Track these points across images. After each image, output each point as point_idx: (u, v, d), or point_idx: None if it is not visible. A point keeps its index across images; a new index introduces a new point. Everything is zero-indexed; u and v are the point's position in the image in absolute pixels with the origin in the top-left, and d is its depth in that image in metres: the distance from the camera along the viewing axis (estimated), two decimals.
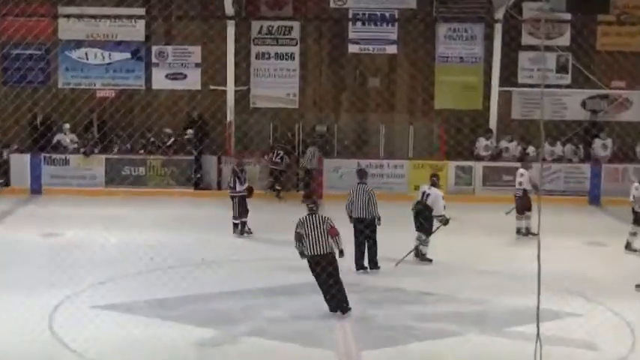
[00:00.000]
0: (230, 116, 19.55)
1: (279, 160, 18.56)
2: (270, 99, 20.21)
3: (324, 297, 9.43)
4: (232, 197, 13.85)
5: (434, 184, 12.25)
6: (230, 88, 19.61)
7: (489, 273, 11.65)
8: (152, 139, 19.17)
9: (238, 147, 19.58)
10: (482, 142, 19.51)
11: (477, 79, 20.17)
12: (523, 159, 18.94)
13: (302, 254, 9.42)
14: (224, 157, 19.01)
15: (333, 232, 9.35)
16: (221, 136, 19.39)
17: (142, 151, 19.16)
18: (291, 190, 18.82)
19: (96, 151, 19.11)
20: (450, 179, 18.38)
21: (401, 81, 20.44)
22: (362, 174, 12.06)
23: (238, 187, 13.82)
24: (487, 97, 19.93)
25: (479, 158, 19.30)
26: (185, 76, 20.16)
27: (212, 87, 19.74)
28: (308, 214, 9.44)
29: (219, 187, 18.82)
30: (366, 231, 11.44)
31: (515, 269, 11.15)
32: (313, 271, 9.34)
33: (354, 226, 11.57)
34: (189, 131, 19.15)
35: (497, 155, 19.43)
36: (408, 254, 11.97)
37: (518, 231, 14.04)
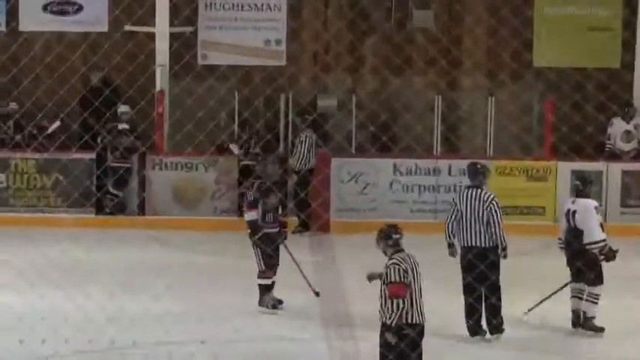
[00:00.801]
0: (161, 81, 19.60)
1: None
2: (235, 50, 20.45)
3: None
4: None
5: (579, 193, 12.73)
6: (162, 30, 19.72)
7: None
8: (21, 123, 19.25)
9: (176, 137, 19.63)
10: (619, 126, 19.77)
11: (611, 15, 20.49)
12: None
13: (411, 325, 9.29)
14: (150, 157, 19.10)
15: None
16: (146, 117, 19.36)
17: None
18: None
19: None
20: (562, 192, 18.26)
21: (471, 19, 20.46)
22: (476, 172, 12.60)
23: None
24: (629, 47, 20.15)
25: (614, 156, 19.54)
26: (79, 9, 20.34)
27: (129, 28, 19.87)
28: (401, 252, 9.38)
29: (143, 212, 18.96)
30: (491, 272, 11.98)
31: None
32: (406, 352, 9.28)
33: (463, 262, 12.23)
34: (125, 108, 19.11)
35: None
36: (543, 300, 12.67)
37: None
